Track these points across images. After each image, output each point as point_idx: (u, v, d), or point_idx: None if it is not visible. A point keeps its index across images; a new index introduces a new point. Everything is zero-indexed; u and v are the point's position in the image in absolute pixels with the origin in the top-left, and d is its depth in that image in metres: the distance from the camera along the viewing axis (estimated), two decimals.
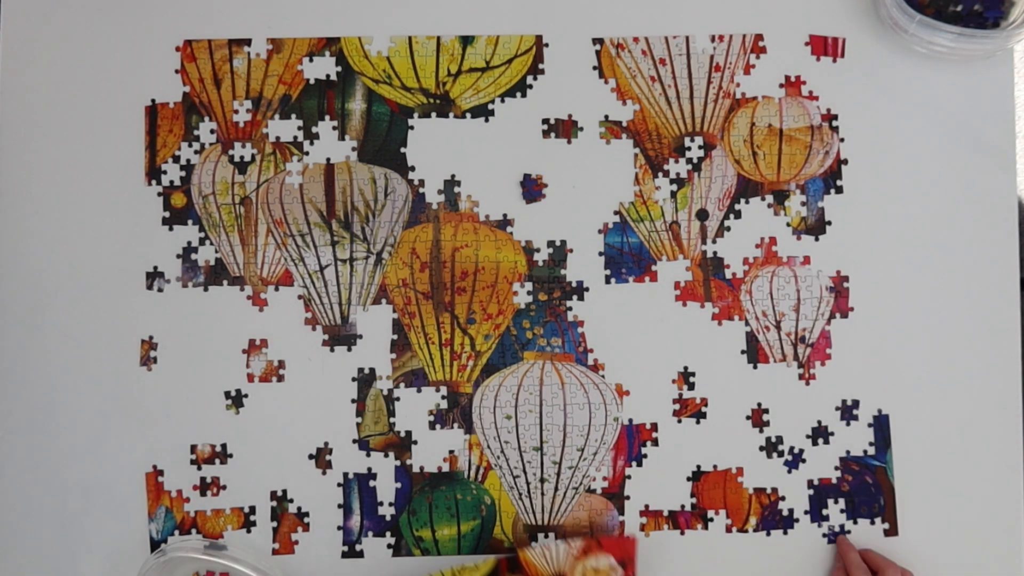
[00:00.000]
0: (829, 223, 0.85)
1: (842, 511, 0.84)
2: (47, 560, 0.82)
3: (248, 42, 0.86)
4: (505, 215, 0.85)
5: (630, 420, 0.84)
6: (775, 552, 0.83)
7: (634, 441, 0.84)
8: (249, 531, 0.83)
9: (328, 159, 0.85)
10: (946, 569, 0.83)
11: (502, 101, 0.86)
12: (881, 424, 0.84)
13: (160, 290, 0.84)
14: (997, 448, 0.84)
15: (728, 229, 0.86)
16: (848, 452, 0.84)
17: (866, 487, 0.84)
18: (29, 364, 0.83)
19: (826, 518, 0.84)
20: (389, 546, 0.83)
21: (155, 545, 0.83)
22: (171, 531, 0.83)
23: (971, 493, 0.83)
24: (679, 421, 0.84)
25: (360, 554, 0.83)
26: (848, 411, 0.84)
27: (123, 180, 0.85)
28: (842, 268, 0.85)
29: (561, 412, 0.84)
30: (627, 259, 0.85)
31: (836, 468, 0.84)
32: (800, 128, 0.86)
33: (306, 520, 0.83)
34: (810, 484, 0.84)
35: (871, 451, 0.84)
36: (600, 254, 0.85)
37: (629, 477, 0.84)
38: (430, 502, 0.83)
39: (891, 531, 0.84)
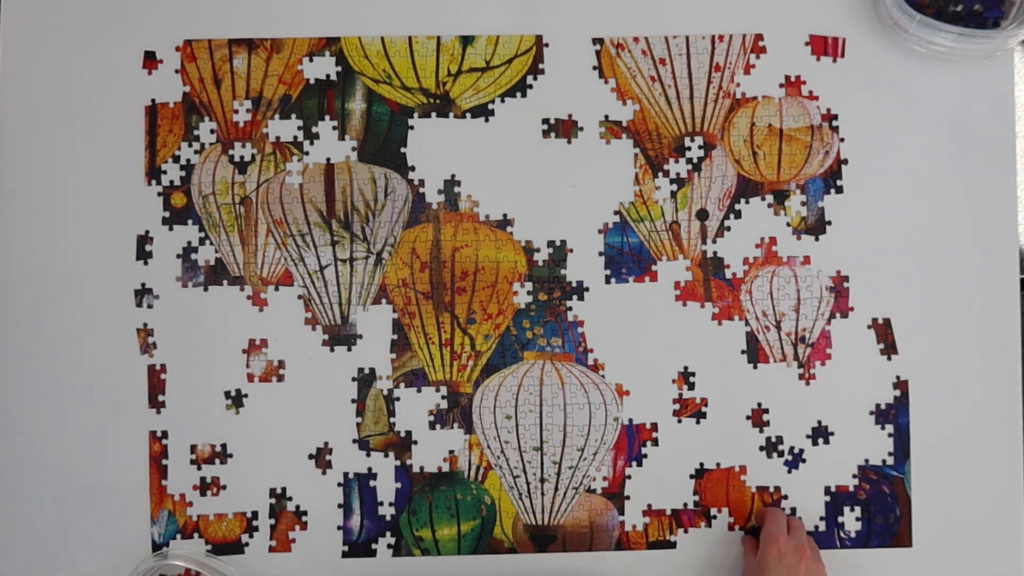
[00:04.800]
0: (829, 223, 0.85)
1: (857, 519, 0.84)
2: (47, 560, 0.82)
3: (248, 42, 0.86)
4: (505, 215, 0.85)
5: (630, 420, 0.84)
6: None
7: (634, 441, 0.84)
8: (251, 536, 0.83)
9: (328, 159, 0.85)
10: None
11: (502, 101, 0.86)
12: (901, 434, 0.84)
13: (152, 299, 0.84)
14: (997, 452, 0.84)
15: (728, 229, 0.86)
16: (867, 461, 0.84)
17: (883, 497, 0.84)
18: (29, 364, 0.83)
19: (841, 525, 0.84)
20: (389, 546, 0.83)
21: (156, 548, 0.82)
22: (173, 534, 0.83)
23: (976, 501, 0.84)
24: (679, 421, 0.84)
25: (360, 554, 0.83)
26: (883, 415, 0.84)
27: (123, 180, 0.85)
28: (842, 268, 0.85)
29: (561, 412, 0.84)
30: (627, 259, 0.85)
31: (854, 476, 0.84)
32: (800, 128, 0.86)
33: (304, 519, 0.83)
34: (827, 491, 0.84)
35: (890, 461, 0.84)
36: (600, 254, 0.85)
37: (629, 477, 0.84)
38: (430, 502, 0.83)
39: (905, 542, 0.84)
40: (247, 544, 0.83)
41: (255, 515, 0.83)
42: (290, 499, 0.83)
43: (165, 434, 0.83)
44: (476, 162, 0.86)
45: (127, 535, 0.83)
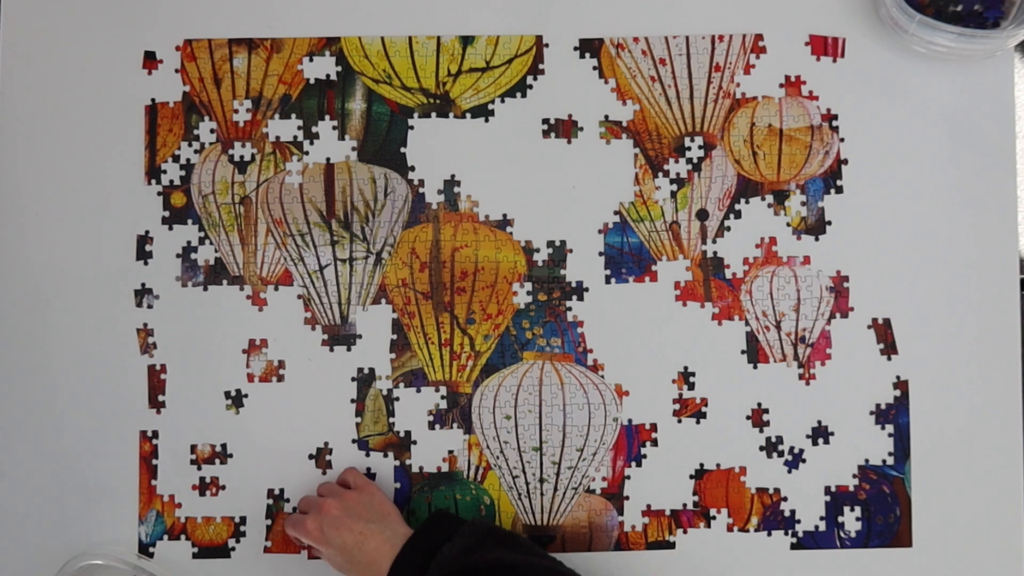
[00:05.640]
0: (829, 223, 0.85)
1: (857, 519, 0.84)
2: (45, 557, 0.82)
3: (248, 42, 0.86)
4: (505, 215, 0.85)
5: (629, 420, 0.84)
6: (775, 552, 0.83)
7: (633, 441, 0.84)
8: (239, 540, 0.83)
9: (328, 159, 0.85)
10: None
11: (502, 101, 0.86)
12: (901, 434, 0.84)
13: (152, 299, 0.84)
14: (998, 453, 0.84)
15: (728, 229, 0.85)
16: (867, 461, 0.84)
17: (883, 497, 0.84)
18: (28, 364, 0.83)
19: (841, 525, 0.84)
20: None
21: (143, 548, 0.82)
22: (160, 535, 0.83)
23: (976, 501, 0.83)
24: (679, 421, 0.84)
25: None
26: (883, 415, 0.84)
27: (123, 180, 0.85)
28: (842, 268, 0.85)
29: (560, 412, 0.84)
30: (627, 259, 0.85)
31: (854, 476, 0.84)
32: (800, 128, 0.86)
33: None
34: (827, 491, 0.84)
35: (890, 461, 0.84)
36: (600, 254, 0.85)
37: (628, 477, 0.84)
38: (429, 502, 0.83)
39: (905, 542, 0.84)
40: (233, 548, 0.83)
41: (243, 520, 0.83)
42: (287, 500, 0.83)
43: (155, 434, 0.83)
44: (476, 162, 0.86)
45: (117, 535, 0.82)
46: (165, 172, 0.85)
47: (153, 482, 0.83)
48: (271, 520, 0.83)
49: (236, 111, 0.85)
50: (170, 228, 0.85)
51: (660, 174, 0.86)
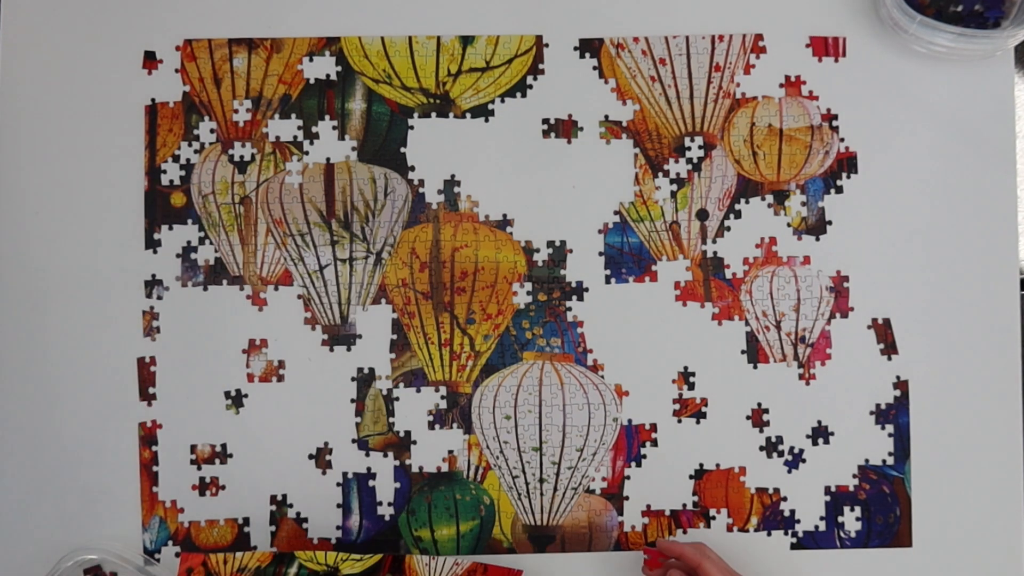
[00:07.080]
0: (829, 223, 0.85)
1: (857, 519, 0.84)
2: (47, 558, 0.82)
3: (248, 42, 0.86)
4: (505, 215, 0.85)
5: (629, 420, 0.84)
6: (775, 552, 0.83)
7: (633, 441, 0.84)
8: (244, 542, 0.83)
9: (328, 159, 0.85)
10: None
11: (502, 101, 0.86)
12: (901, 434, 0.84)
13: (162, 291, 0.84)
14: (998, 453, 0.84)
15: (728, 229, 0.85)
16: (867, 461, 0.84)
17: (883, 497, 0.84)
18: (28, 364, 0.83)
19: (841, 525, 0.84)
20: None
21: (148, 554, 0.82)
22: (165, 541, 0.83)
23: (976, 501, 0.84)
24: (679, 421, 0.84)
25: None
26: (883, 415, 0.84)
27: (123, 180, 0.85)
28: (842, 268, 0.85)
29: (560, 412, 0.84)
30: (627, 259, 0.85)
31: (854, 476, 0.84)
32: (800, 128, 0.86)
33: (304, 526, 0.83)
34: (827, 491, 0.84)
35: (890, 461, 0.84)
36: (600, 254, 0.85)
37: (628, 477, 0.84)
38: (429, 502, 0.83)
39: (905, 542, 0.84)
40: (239, 550, 0.83)
41: (247, 521, 0.83)
42: (290, 506, 0.83)
43: (155, 440, 0.83)
44: (476, 162, 0.86)
45: (122, 540, 0.82)
46: (165, 172, 0.85)
47: (154, 489, 0.83)
48: (275, 526, 0.83)
49: (236, 111, 0.85)
50: (170, 228, 0.85)
51: (660, 174, 0.86)
